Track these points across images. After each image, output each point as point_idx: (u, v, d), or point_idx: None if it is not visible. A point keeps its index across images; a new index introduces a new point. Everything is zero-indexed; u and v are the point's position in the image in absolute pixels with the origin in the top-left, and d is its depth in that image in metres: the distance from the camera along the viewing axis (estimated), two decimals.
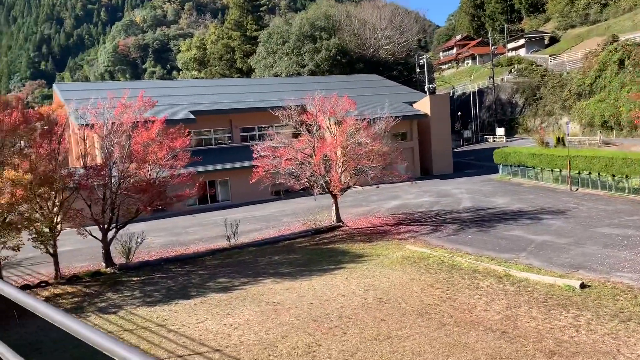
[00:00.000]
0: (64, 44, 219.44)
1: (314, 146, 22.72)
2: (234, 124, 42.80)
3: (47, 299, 16.82)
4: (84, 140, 19.43)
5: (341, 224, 24.09)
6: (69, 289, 17.86)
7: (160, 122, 19.96)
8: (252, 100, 44.81)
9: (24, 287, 18.08)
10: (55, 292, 17.51)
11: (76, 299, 16.57)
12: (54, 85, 42.96)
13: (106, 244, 19.77)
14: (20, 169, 15.52)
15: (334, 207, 24.15)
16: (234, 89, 49.41)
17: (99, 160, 30.58)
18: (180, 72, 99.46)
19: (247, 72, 78.12)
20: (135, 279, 18.50)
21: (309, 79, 55.28)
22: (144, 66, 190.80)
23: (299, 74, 61.25)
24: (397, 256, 18.35)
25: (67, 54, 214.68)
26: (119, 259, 20.60)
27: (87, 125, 20.47)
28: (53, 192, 16.89)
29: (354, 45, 66.63)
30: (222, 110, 41.57)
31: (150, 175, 20.23)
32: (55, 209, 18.03)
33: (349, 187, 22.87)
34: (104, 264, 19.86)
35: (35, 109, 18.12)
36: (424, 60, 62.11)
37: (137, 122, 20.27)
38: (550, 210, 24.41)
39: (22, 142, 17.45)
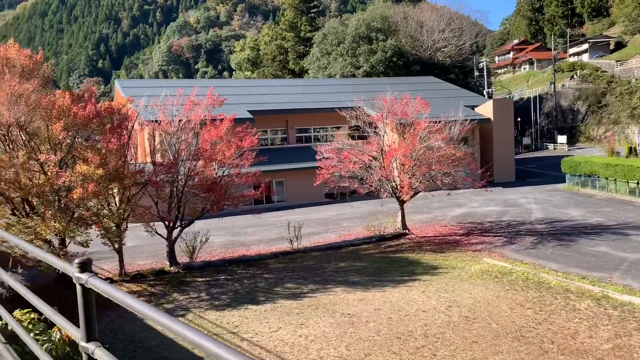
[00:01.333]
0: (121, 43, 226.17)
1: (382, 149, 21.75)
2: (290, 125, 42.33)
3: None
4: (153, 136, 19.12)
5: (407, 232, 23.01)
6: (134, 287, 17.54)
7: (229, 121, 19.46)
8: (309, 101, 44.27)
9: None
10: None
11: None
12: (116, 82, 43.64)
13: (171, 242, 19.40)
14: (92, 164, 15.24)
15: (399, 214, 23.10)
16: (289, 89, 48.99)
17: (158, 157, 30.72)
18: (233, 73, 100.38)
19: (300, 74, 77.84)
20: (200, 279, 18.01)
21: (365, 80, 54.37)
22: (196, 66, 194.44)
23: (353, 76, 60.40)
24: (475, 270, 17.15)
25: (123, 52, 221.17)
26: (182, 257, 20.22)
27: (155, 121, 20.20)
28: (122, 188, 16.58)
29: (410, 47, 65.26)
30: (279, 110, 41.13)
31: (216, 174, 19.77)
32: (122, 205, 17.75)
33: (417, 193, 21.77)
34: (167, 263, 19.50)
35: (99, 104, 17.84)
36: (484, 63, 60.11)
37: (205, 119, 19.87)
38: (636, 225, 22.58)
39: (92, 136, 17.26)
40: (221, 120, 19.87)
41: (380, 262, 19.05)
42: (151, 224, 18.69)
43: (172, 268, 19.25)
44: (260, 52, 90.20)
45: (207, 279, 18.06)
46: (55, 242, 16.61)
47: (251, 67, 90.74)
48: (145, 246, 23.20)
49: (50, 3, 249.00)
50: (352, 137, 44.38)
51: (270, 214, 32.76)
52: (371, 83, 51.33)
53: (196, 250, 19.92)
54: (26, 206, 16.54)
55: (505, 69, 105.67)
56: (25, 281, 16.77)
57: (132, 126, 18.33)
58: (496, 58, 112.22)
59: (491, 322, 12.58)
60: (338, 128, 45.25)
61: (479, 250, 20.12)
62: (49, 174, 15.88)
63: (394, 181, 21.65)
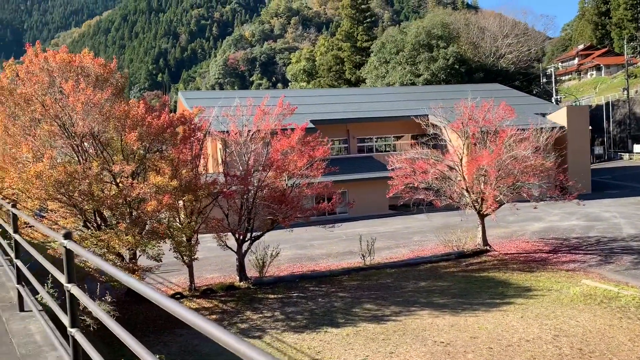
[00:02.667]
0: (179, 57, 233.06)
1: (461, 158, 20.30)
2: (351, 134, 41.32)
3: None
4: (225, 146, 18.50)
5: (488, 248, 21.37)
6: (204, 303, 16.84)
7: (301, 130, 18.61)
8: (370, 110, 43.16)
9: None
10: (192, 307, 16.51)
11: (214, 317, 15.40)
12: (179, 93, 44.04)
13: (241, 255, 18.65)
14: (166, 175, 14.66)
15: (479, 228, 21.51)
16: (349, 98, 48.07)
17: (221, 169, 30.35)
18: (289, 84, 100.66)
19: (356, 83, 76.98)
20: (272, 296, 17.11)
21: (426, 88, 52.75)
22: (251, 79, 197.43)
23: (413, 84, 58.87)
24: (575, 293, 15.40)
25: (181, 66, 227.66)
26: (249, 271, 19.43)
27: (225, 132, 19.61)
28: (194, 200, 15.94)
29: (472, 53, 63.15)
30: (340, 119, 40.20)
31: (286, 185, 18.93)
32: (193, 217, 17.14)
33: (501, 205, 20.15)
34: (237, 277, 18.75)
35: (171, 114, 17.31)
36: (552, 69, 57.27)
37: (275, 129, 19.11)
38: None
39: (164, 146, 16.78)
40: (292, 129, 19.05)
41: (464, 282, 17.56)
42: (218, 236, 18.03)
43: (242, 283, 18.48)
44: (315, 63, 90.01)
45: (280, 296, 17.12)
46: (126, 255, 16.15)
47: (307, 78, 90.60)
48: (211, 258, 22.62)
49: (113, 20, 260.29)
50: (419, 146, 42.96)
51: (329, 226, 31.71)
52: (433, 91, 49.71)
53: (266, 264, 19.08)
54: (97, 218, 16.18)
55: (570, 76, 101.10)
56: (98, 297, 16.37)
57: (204, 136, 17.76)
58: (559, 64, 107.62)
59: (612, 357, 10.95)
60: (399, 137, 43.93)
61: (572, 269, 18.29)
62: (121, 185, 15.45)
63: (474, 193, 20.13)
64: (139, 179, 15.74)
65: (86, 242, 14.38)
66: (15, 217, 5.14)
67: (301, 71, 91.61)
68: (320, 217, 33.21)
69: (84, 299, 3.25)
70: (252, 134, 19.02)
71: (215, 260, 22.36)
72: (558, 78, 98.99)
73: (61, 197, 14.25)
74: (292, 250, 24.47)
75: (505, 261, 19.90)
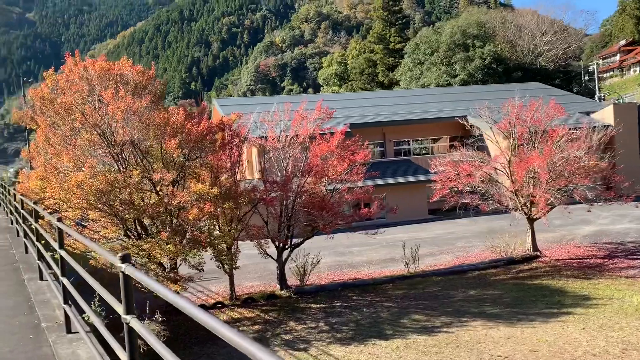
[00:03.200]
0: (211, 65, 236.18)
1: (509, 160, 19.41)
2: (387, 137, 40.60)
3: (226, 324, 15.48)
4: (263, 152, 18.15)
5: (538, 254, 20.38)
6: (246, 312, 16.46)
7: (340, 133, 18.10)
8: (406, 112, 42.33)
9: (200, 307, 17.04)
10: (233, 316, 16.17)
11: (257, 327, 14.99)
12: (214, 100, 44.16)
13: (281, 263, 18.24)
14: (207, 182, 14.35)
15: (529, 233, 20.54)
16: (384, 100, 47.29)
17: (256, 175, 30.04)
18: (321, 88, 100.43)
19: (389, 85, 76.16)
20: (315, 306, 16.60)
21: (463, 88, 51.50)
22: (282, 84, 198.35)
23: (449, 85, 57.72)
24: None
25: (213, 74, 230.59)
26: (289, 279, 18.99)
27: (263, 137, 19.27)
28: (235, 208, 15.59)
29: (509, 52, 61.59)
30: (376, 122, 39.49)
31: (325, 190, 18.45)
32: (233, 225, 16.80)
33: (552, 208, 19.16)
34: (278, 286, 18.33)
35: (210, 121, 16.99)
36: (594, 66, 55.28)
37: (314, 134, 18.66)
38: None
39: (202, 153, 16.50)
40: (331, 134, 18.56)
41: (516, 290, 16.69)
42: (259, 244, 17.67)
43: (283, 292, 18.04)
44: (347, 66, 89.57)
45: (322, 305, 16.60)
46: (167, 264, 15.90)
47: (339, 82, 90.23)
48: (250, 266, 22.28)
49: (147, 31, 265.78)
50: (453, 148, 41.92)
51: (371, 231, 31.07)
52: (470, 91, 48.50)
53: (307, 272, 18.61)
54: (138, 227, 16.01)
55: (612, 73, 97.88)
56: (140, 309, 16.17)
57: (243, 142, 17.43)
58: (600, 61, 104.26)
59: None
60: (436, 140, 42.98)
61: (632, 276, 17.20)
62: (161, 193, 15.23)
63: (523, 196, 19.21)
64: (178, 186, 15.49)
65: (128, 251, 14.16)
66: (61, 232, 4.78)
67: (333, 75, 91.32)
68: (358, 223, 32.58)
69: (144, 333, 2.80)
70: (291, 139, 18.63)
71: (254, 267, 22.01)
72: (599, 75, 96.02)
73: (102, 206, 14.09)
74: (331, 257, 23.92)
75: (558, 267, 18.90)
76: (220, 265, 16.46)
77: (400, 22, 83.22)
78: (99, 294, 4.26)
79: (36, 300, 5.99)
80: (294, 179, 17.36)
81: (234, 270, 16.43)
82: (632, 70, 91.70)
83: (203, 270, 15.31)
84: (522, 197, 19.19)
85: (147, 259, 14.74)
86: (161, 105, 16.23)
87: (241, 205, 15.97)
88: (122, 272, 2.93)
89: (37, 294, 6.33)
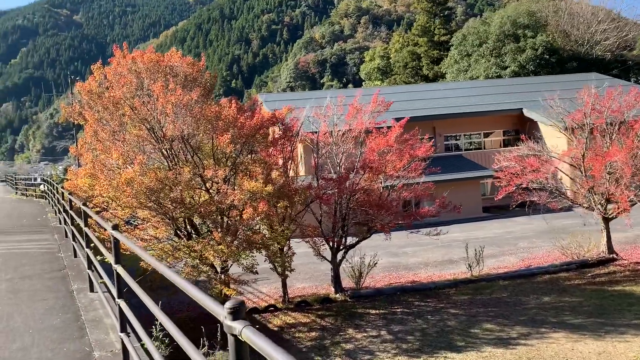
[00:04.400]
0: (251, 63, 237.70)
1: (583, 154, 17.76)
2: (437, 132, 38.96)
3: (281, 329, 14.60)
4: (317, 147, 17.14)
5: (615, 256, 18.66)
6: (300, 317, 15.52)
7: (399, 127, 16.91)
8: (457, 105, 40.58)
9: (252, 311, 16.24)
10: (287, 321, 15.25)
11: (313, 334, 14.02)
12: (259, 96, 43.54)
13: (336, 265, 17.22)
14: (260, 180, 13.46)
15: (604, 233, 18.83)
16: (432, 93, 45.58)
17: (302, 172, 29.08)
18: (363, 83, 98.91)
19: (434, 79, 74.06)
20: (374, 312, 15.50)
21: (515, 80, 49.21)
22: (321, 81, 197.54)
23: (499, 76, 55.37)
24: None
25: (253, 72, 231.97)
26: (344, 282, 17.95)
27: (314, 132, 18.27)
28: (289, 206, 14.64)
29: (563, 42, 58.65)
30: (426, 116, 37.92)
31: (382, 187, 17.31)
32: (285, 224, 15.85)
33: (632, 206, 17.44)
34: (332, 288, 17.33)
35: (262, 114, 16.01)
36: None
37: (369, 127, 17.55)
38: None
39: (253, 149, 15.63)
40: (388, 127, 17.40)
41: (596, 297, 15.14)
42: (313, 244, 16.71)
43: (338, 295, 17.02)
44: (390, 60, 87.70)
45: (382, 311, 15.49)
46: (218, 265, 15.11)
47: (381, 77, 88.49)
48: (300, 266, 21.30)
49: (189, 30, 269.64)
50: (507, 143, 40.00)
51: (423, 230, 29.71)
52: (523, 83, 46.26)
53: (363, 274, 17.53)
54: (188, 226, 15.28)
55: None
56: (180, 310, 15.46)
57: (296, 137, 16.48)
58: None
59: None
60: (488, 134, 41.05)
61: None
62: (212, 191, 14.45)
63: (598, 193, 17.55)
64: (229, 184, 14.66)
65: (179, 252, 13.45)
66: (117, 244, 3.87)
67: (375, 69, 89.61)
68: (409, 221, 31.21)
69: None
70: (344, 134, 17.57)
71: (303, 268, 21.06)
72: None
73: (152, 205, 13.38)
74: (385, 258, 22.70)
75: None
76: (274, 268, 15.55)
77: (444, 13, 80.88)
78: (160, 322, 3.29)
79: (87, 319, 5.14)
80: (350, 175, 16.27)
81: (286, 272, 15.48)
82: None
83: (257, 273, 14.41)
84: (596, 194, 17.52)
85: (198, 261, 13.99)
86: (211, 99, 15.43)
87: (296, 204, 15.00)
88: (236, 338, 1.91)
89: (87, 310, 5.49)
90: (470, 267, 18.31)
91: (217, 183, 13.49)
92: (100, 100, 14.24)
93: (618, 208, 16.90)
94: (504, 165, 19.60)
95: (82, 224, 6.39)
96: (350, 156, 17.83)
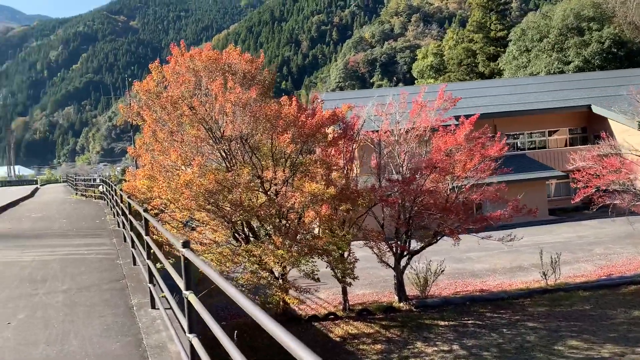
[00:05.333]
0: (301, 64, 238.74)
1: None
2: (498, 130, 37.13)
3: (343, 340, 13.77)
4: (379, 147, 16.22)
5: None
6: (363, 327, 14.64)
7: (469, 124, 15.75)
8: (518, 102, 38.61)
9: (312, 318, 15.50)
10: (350, 331, 14.41)
11: (379, 346, 13.12)
12: (318, 94, 42.83)
13: (399, 272, 16.25)
14: (322, 181, 12.69)
15: None
16: (491, 90, 43.63)
17: (356, 170, 28.19)
18: (415, 81, 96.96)
19: (490, 76, 71.50)
20: (443, 323, 14.44)
21: (580, 75, 46.39)
22: (371, 80, 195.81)
23: (562, 72, 52.58)
24: None
25: (303, 73, 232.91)
26: (408, 289, 16.95)
27: (375, 131, 17.35)
28: (352, 210, 13.81)
29: (632, 35, 55.17)
30: (487, 114, 36.16)
31: (449, 189, 16.21)
32: (346, 229, 15.02)
33: None
34: (395, 297, 16.36)
35: (320, 111, 15.19)
36: None
37: (435, 125, 16.48)
38: None
39: (314, 149, 14.91)
40: (455, 124, 16.28)
41: None
42: (377, 249, 15.80)
43: (402, 304, 16.05)
44: (444, 57, 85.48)
45: (452, 323, 14.41)
46: (277, 271, 14.44)
47: (434, 75, 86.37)
48: (358, 271, 20.32)
49: (240, 33, 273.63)
50: (572, 142, 37.77)
51: (483, 233, 28.22)
52: (592, 78, 43.52)
53: (429, 282, 16.48)
54: (245, 229, 14.71)
55: None
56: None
57: (356, 136, 15.62)
58: None
59: None
60: (552, 132, 38.85)
61: None
62: (270, 193, 13.81)
63: None
64: (287, 185, 13.97)
65: (238, 257, 12.86)
66: (188, 266, 3.16)
67: (428, 67, 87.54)
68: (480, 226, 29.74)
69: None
70: (408, 132, 16.58)
71: (362, 273, 20.06)
72: None
73: (211, 207, 12.86)
74: (448, 263, 21.43)
75: None
76: (334, 274, 14.76)
77: (500, 8, 78.00)
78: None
79: (149, 345, 4.48)
80: (417, 176, 15.26)
81: (348, 279, 14.62)
82: None
83: (318, 280, 13.66)
84: None
85: (257, 266, 13.37)
86: (269, 97, 14.80)
87: (359, 207, 14.15)
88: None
89: (149, 333, 4.84)
90: (545, 275, 16.92)
91: (277, 185, 12.82)
92: (158, 100, 13.87)
93: None
94: (581, 165, 18.06)
95: (142, 231, 5.78)
96: (414, 156, 16.82)
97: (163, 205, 14.48)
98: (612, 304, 14.80)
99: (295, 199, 12.19)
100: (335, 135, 15.32)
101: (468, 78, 76.15)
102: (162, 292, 5.65)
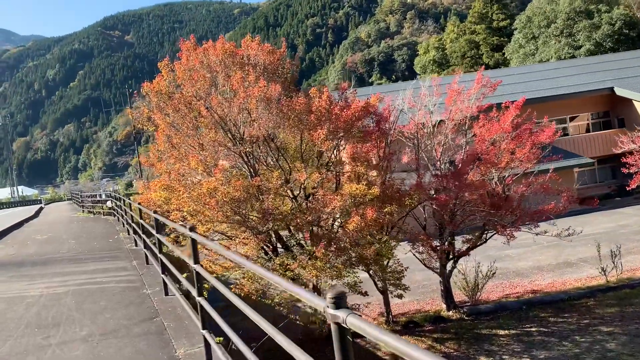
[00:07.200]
0: (298, 68, 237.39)
1: None
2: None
3: (395, 358, 12.19)
4: (418, 140, 14.65)
5: None
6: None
7: (516, 108, 14.21)
8: (541, 89, 36.98)
9: (354, 335, 13.89)
10: None
11: None
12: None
13: (446, 276, 14.68)
14: (363, 181, 11.17)
15: None
16: (509, 78, 41.95)
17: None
18: (417, 77, 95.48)
19: (495, 66, 69.98)
20: (503, 332, 12.86)
21: (597, 58, 44.68)
22: (370, 80, 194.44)
23: (572, 57, 50.97)
24: None
25: (300, 77, 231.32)
26: (455, 295, 15.38)
27: (404, 125, 15.80)
28: (397, 211, 12.26)
29: None
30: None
31: (495, 182, 14.66)
32: (386, 232, 13.47)
33: None
34: (443, 305, 14.79)
35: (355, 101, 13.58)
36: None
37: (475, 113, 14.95)
38: None
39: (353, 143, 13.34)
40: (498, 109, 14.75)
41: None
42: (427, 253, 14.24)
43: (451, 312, 14.48)
44: (446, 51, 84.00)
45: (513, 331, 12.82)
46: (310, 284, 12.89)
47: (437, 69, 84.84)
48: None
49: (235, 40, 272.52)
50: (594, 127, 36.18)
51: (552, 229, 26.61)
52: (610, 60, 41.87)
53: (479, 286, 14.91)
54: (274, 239, 13.16)
55: None
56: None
57: (391, 130, 14.07)
58: None
59: None
60: (573, 118, 37.22)
61: None
62: (299, 198, 12.29)
63: None
64: (321, 188, 12.42)
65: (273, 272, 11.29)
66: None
67: (430, 62, 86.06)
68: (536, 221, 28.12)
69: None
70: (442, 122, 15.06)
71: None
72: None
73: (239, 217, 11.32)
74: (485, 262, 19.95)
75: None
76: (381, 284, 13.20)
77: None
78: None
79: None
80: (468, 168, 13.70)
81: (398, 290, 13.02)
82: None
83: (366, 294, 12.09)
84: None
85: (292, 281, 11.82)
86: (293, 90, 13.26)
87: (406, 208, 12.59)
88: None
89: None
90: (604, 270, 15.33)
91: (314, 188, 11.29)
92: (170, 102, 12.37)
93: None
94: (633, 148, 16.49)
95: (189, 260, 4.26)
96: (450, 148, 15.27)
97: (182, 218, 12.97)
98: None
99: (336, 203, 10.64)
100: (369, 129, 13.77)
101: (472, 70, 74.55)
102: (216, 333, 4.12)
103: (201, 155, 11.76)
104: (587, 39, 51.16)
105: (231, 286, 10.88)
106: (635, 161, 16.07)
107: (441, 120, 15.48)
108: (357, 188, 10.89)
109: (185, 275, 6.83)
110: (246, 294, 10.88)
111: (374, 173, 13.04)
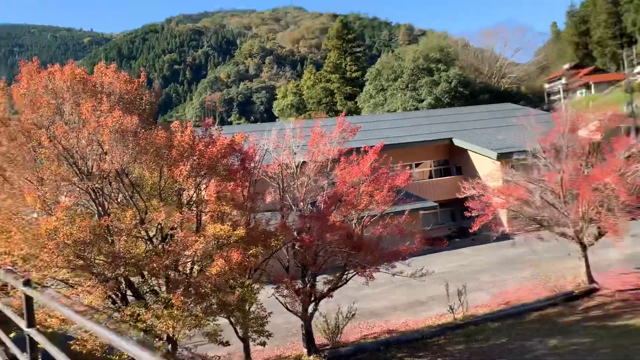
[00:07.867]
0: (159, 99, 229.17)
1: (561, 177, 16.61)
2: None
3: None
4: (282, 181, 14.46)
5: (595, 286, 17.54)
6: None
7: (374, 152, 14.77)
8: (391, 137, 39.54)
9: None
10: None
11: None
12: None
13: (307, 320, 14.43)
14: (228, 221, 10.58)
15: (583, 262, 17.70)
16: (377, 124, 44.29)
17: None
18: (277, 120, 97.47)
19: (348, 114, 74.19)
20: None
21: (439, 111, 49.45)
22: (229, 119, 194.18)
23: (416, 109, 55.95)
24: None
25: (157, 112, 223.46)
26: (317, 337, 15.18)
27: (268, 164, 15.63)
28: (262, 253, 11.78)
29: (474, 75, 61.00)
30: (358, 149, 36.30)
31: (354, 224, 14.99)
32: (248, 276, 12.90)
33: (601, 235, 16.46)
34: (304, 349, 14.46)
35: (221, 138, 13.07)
36: (559, 86, 55.27)
37: (336, 156, 15.30)
38: None
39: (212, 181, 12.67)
40: (360, 153, 15.24)
41: (606, 336, 13.61)
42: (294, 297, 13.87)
43: (311, 357, 14.18)
44: (303, 97, 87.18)
45: None
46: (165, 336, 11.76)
47: (295, 113, 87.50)
48: None
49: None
50: (436, 174, 39.51)
51: (408, 270, 27.60)
52: (449, 114, 46.51)
53: (340, 328, 14.88)
54: (122, 285, 11.87)
55: (558, 95, 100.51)
56: None
57: (256, 169, 13.75)
58: (546, 85, 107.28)
59: None
60: (418, 164, 40.38)
61: None
62: (155, 240, 11.32)
63: (586, 219, 16.43)
64: (181, 228, 11.55)
65: (123, 325, 10.07)
66: None
67: (288, 106, 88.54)
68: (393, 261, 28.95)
69: None
70: (305, 164, 15.17)
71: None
72: (549, 98, 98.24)
73: (82, 263, 9.99)
74: (343, 302, 20.21)
75: (630, 302, 16.06)
76: (243, 331, 12.49)
77: (356, 50, 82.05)
78: None
79: None
80: (331, 209, 13.76)
81: (261, 337, 12.41)
82: (578, 92, 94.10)
83: (228, 344, 11.30)
84: (584, 219, 16.39)
85: (143, 333, 10.65)
86: (152, 123, 12.36)
87: (272, 249, 12.17)
88: None
89: None
90: (452, 309, 16.30)
91: (174, 229, 10.41)
92: (5, 129, 10.74)
93: (600, 234, 15.80)
94: (473, 194, 18.09)
95: (15, 317, 3.36)
96: (312, 190, 15.37)
97: (12, 264, 11.12)
98: (525, 334, 14.49)
99: (198, 245, 9.89)
100: (234, 167, 13.28)
101: (328, 116, 78.16)
102: None
103: (40, 190, 10.27)
104: (429, 94, 56.58)
105: (71, 342, 9.43)
106: (476, 206, 17.56)
107: (304, 162, 15.57)
108: (221, 229, 10.27)
109: (13, 334, 5.65)
110: (89, 351, 9.51)
111: (238, 213, 12.50)
